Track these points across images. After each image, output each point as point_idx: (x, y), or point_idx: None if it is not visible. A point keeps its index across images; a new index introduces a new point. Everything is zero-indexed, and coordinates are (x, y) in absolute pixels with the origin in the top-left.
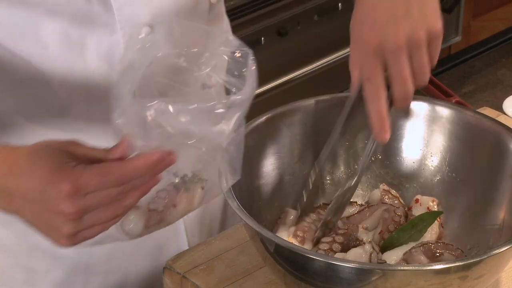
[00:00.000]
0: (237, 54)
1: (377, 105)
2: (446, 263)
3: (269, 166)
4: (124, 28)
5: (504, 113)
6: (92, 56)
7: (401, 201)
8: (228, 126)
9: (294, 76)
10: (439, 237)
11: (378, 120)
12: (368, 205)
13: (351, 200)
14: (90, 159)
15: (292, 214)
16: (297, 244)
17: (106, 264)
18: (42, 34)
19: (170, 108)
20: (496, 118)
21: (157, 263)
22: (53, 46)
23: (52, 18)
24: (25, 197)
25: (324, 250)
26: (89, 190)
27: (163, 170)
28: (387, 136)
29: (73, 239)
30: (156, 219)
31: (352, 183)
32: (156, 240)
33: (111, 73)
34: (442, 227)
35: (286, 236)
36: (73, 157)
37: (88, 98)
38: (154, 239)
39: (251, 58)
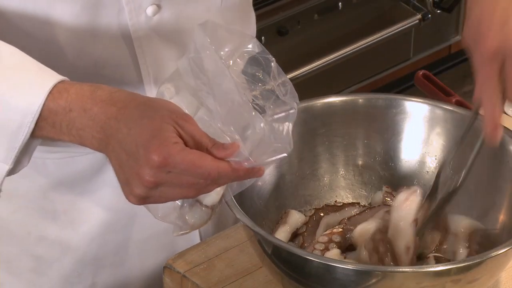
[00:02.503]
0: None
1: (492, 109)
2: (436, 266)
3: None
4: (130, 6)
5: (504, 112)
6: (102, 39)
7: None
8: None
9: (294, 76)
10: (440, 240)
11: (490, 124)
12: (370, 206)
13: (353, 201)
14: (194, 142)
15: (294, 216)
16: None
17: (115, 256)
18: (52, 19)
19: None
20: None
21: (169, 257)
22: (64, 31)
23: (64, 3)
24: (121, 143)
25: (320, 250)
26: (175, 170)
27: (247, 179)
28: (497, 140)
29: (141, 200)
30: (210, 215)
31: (458, 184)
32: (168, 235)
33: (120, 54)
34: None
35: (286, 237)
36: (179, 134)
37: (98, 79)
38: (166, 232)
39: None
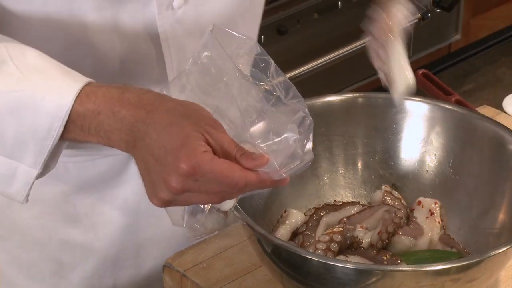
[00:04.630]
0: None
1: None
2: (436, 265)
3: None
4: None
5: (504, 112)
6: (127, 33)
7: (403, 202)
8: None
9: (294, 75)
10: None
11: None
12: (370, 205)
13: (353, 200)
14: (222, 150)
15: (294, 215)
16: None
17: (135, 258)
18: (76, 11)
19: None
20: (496, 116)
21: None
22: (88, 22)
23: None
24: (148, 148)
25: (322, 249)
26: (202, 179)
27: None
28: None
29: (165, 204)
30: (226, 219)
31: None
32: (185, 234)
33: (145, 48)
34: (444, 229)
35: (286, 236)
36: (208, 142)
37: (122, 75)
38: (183, 233)
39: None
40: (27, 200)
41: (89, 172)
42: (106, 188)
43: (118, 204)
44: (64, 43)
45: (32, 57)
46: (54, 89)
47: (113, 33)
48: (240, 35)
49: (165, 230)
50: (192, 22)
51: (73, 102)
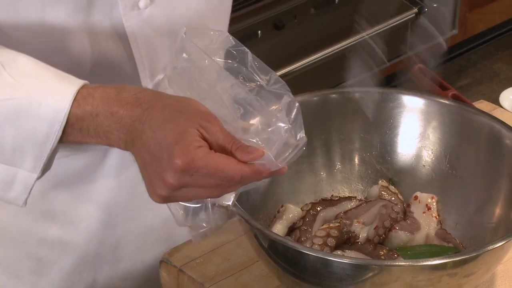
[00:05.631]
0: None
1: None
2: (433, 260)
3: None
4: (124, 1)
5: (501, 106)
6: (96, 36)
7: (400, 197)
8: None
9: (291, 70)
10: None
11: None
12: (366, 200)
13: (350, 195)
14: (218, 144)
15: (291, 210)
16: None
17: (114, 253)
18: (48, 16)
19: None
20: (493, 111)
21: (167, 250)
22: (59, 27)
23: (56, 5)
24: (145, 145)
25: (319, 244)
26: (198, 174)
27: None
28: None
29: (164, 200)
30: (227, 214)
31: None
32: (166, 227)
33: (115, 49)
34: (441, 224)
35: (282, 231)
36: (203, 136)
37: (95, 77)
38: (164, 226)
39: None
40: (26, 204)
41: (65, 169)
42: (83, 184)
43: (95, 200)
44: (35, 47)
45: (24, 63)
46: (50, 94)
47: (84, 36)
48: (212, 31)
49: (144, 224)
50: (161, 22)
51: (70, 105)
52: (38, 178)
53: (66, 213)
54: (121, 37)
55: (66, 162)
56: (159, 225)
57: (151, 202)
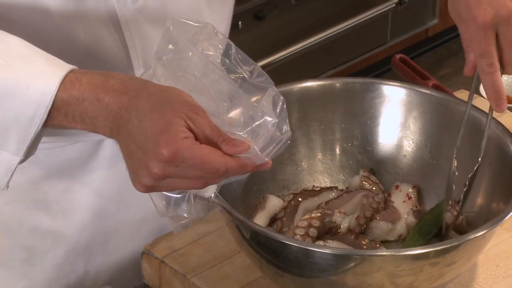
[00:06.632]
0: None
1: (493, 78)
2: (414, 249)
3: None
4: None
5: (481, 96)
6: (90, 24)
7: (381, 187)
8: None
9: (272, 60)
10: None
11: (494, 93)
12: (348, 190)
13: (331, 186)
14: (204, 135)
15: (272, 201)
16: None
17: (106, 244)
18: (39, 4)
19: None
20: (473, 100)
21: None
22: (52, 11)
23: None
24: (131, 134)
25: (301, 235)
26: (183, 165)
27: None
28: (504, 107)
29: (147, 189)
30: (208, 205)
31: (479, 160)
32: (158, 219)
33: (109, 38)
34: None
35: (264, 222)
36: (189, 128)
37: (88, 65)
38: (155, 218)
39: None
40: (8, 187)
41: (59, 159)
42: (76, 174)
43: (88, 190)
44: (27, 30)
45: (14, 44)
46: (38, 77)
47: (76, 22)
48: (197, 23)
49: (136, 216)
50: (155, 12)
51: (57, 89)
52: (21, 162)
53: (58, 203)
54: (115, 25)
55: (60, 152)
56: (151, 217)
57: (143, 193)
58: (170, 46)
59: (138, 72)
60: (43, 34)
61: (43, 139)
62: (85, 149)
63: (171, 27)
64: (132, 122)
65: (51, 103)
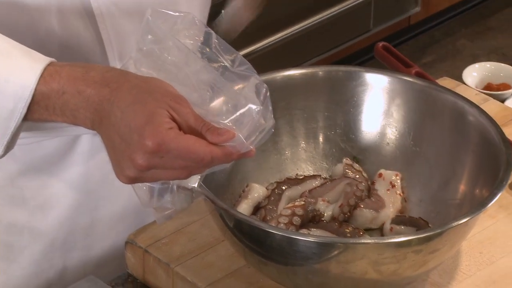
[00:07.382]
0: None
1: None
2: (398, 237)
3: None
4: None
5: (464, 83)
6: (65, 16)
7: (364, 175)
8: None
9: (254, 49)
10: (401, 211)
11: None
12: (331, 178)
13: (315, 174)
14: (188, 125)
15: (256, 189)
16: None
17: (85, 240)
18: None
19: None
20: (456, 88)
21: None
22: (27, 4)
23: None
24: (114, 126)
25: (284, 223)
26: (169, 155)
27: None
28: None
29: (131, 180)
30: (192, 196)
31: None
32: (138, 213)
33: (84, 30)
34: (406, 202)
35: (248, 210)
36: (173, 118)
37: (64, 58)
38: (135, 211)
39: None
40: None
41: (35, 154)
42: (53, 170)
43: (65, 186)
44: (2, 23)
45: None
46: (16, 71)
47: (52, 14)
48: (176, 13)
49: (114, 210)
50: (130, 4)
51: (36, 83)
52: (1, 157)
53: (35, 199)
54: (90, 18)
55: (36, 147)
56: (130, 210)
57: (122, 187)
58: (150, 37)
59: (114, 65)
60: (18, 27)
61: (21, 134)
62: (62, 144)
63: (150, 18)
64: (115, 114)
65: (31, 96)
